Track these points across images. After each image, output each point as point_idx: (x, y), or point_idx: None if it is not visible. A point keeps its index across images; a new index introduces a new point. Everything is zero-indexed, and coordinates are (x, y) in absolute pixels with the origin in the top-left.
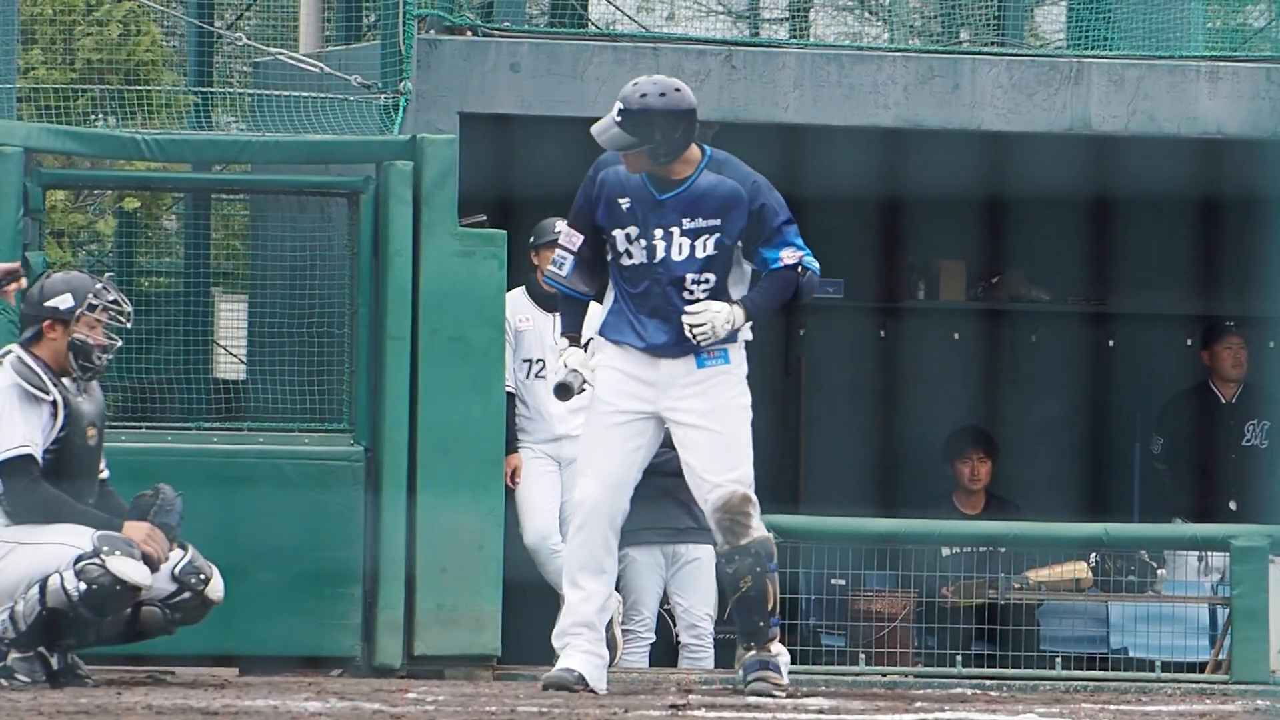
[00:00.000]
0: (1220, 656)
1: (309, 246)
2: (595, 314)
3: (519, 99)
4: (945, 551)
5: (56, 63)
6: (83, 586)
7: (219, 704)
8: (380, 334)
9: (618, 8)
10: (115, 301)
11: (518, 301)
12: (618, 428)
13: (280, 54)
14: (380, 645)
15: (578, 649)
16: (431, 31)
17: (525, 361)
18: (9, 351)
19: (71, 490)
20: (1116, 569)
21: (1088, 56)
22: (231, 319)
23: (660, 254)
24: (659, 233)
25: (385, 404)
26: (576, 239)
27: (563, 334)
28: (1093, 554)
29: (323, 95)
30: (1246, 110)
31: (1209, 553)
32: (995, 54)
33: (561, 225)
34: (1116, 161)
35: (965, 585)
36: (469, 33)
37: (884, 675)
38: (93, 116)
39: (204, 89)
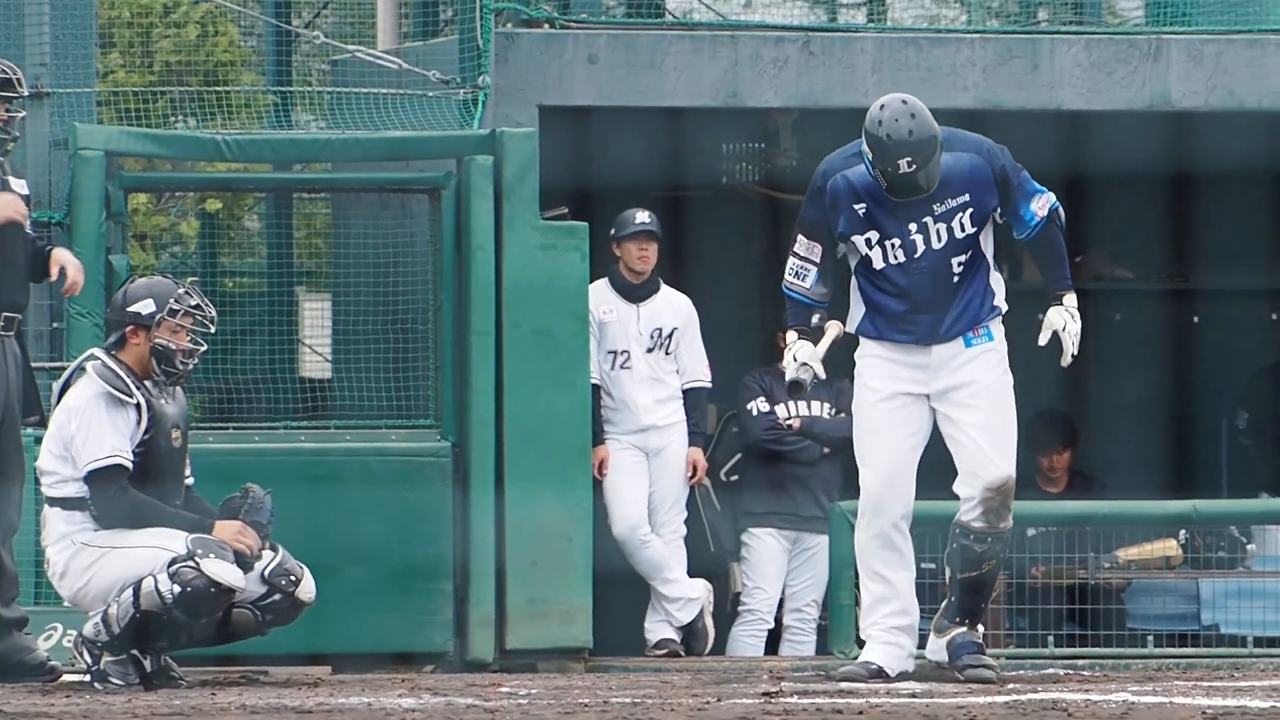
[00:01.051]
0: None
1: (391, 243)
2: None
3: (597, 90)
4: (1030, 532)
5: (135, 65)
6: (176, 589)
7: (313, 702)
8: (464, 329)
9: None
10: (198, 306)
11: (601, 293)
12: (891, 413)
13: (358, 51)
14: (472, 640)
15: (878, 640)
16: (509, 25)
17: (610, 353)
18: (93, 356)
19: (158, 492)
20: (1206, 545)
21: (1166, 33)
22: (316, 318)
23: (920, 248)
24: (913, 227)
25: (471, 399)
26: (816, 250)
27: (791, 327)
28: (1182, 531)
29: (401, 92)
30: None
31: None
32: (1074, 33)
33: (643, 215)
34: (1196, 137)
35: (1055, 566)
36: (546, 25)
37: None
38: (172, 118)
39: (283, 88)
